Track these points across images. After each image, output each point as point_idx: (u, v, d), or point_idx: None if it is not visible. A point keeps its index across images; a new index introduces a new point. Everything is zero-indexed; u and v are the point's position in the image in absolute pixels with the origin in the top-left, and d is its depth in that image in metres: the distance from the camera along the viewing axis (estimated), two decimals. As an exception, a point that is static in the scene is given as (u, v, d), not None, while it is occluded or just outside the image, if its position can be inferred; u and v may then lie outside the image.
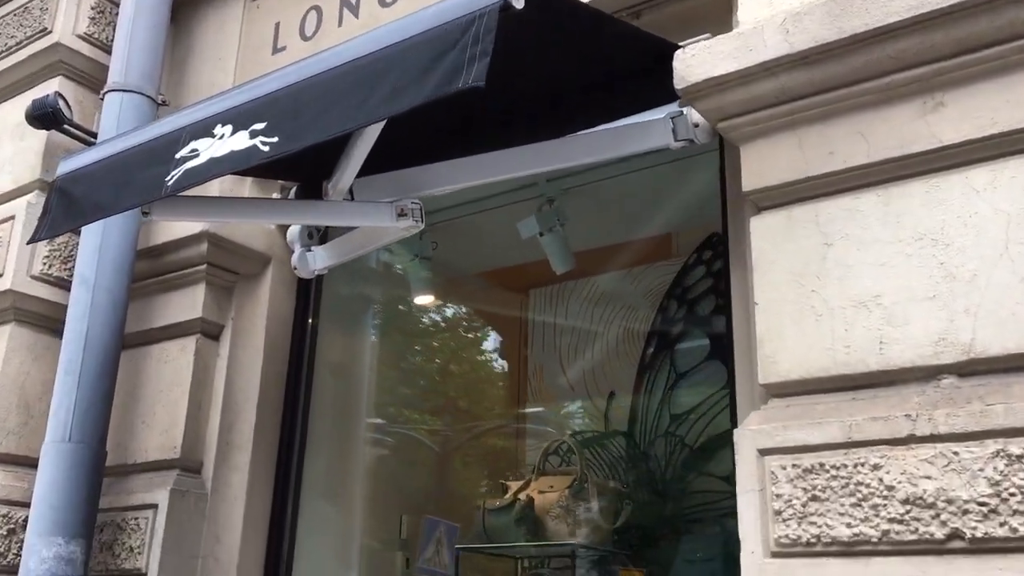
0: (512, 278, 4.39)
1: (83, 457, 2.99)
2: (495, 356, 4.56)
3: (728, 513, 3.47)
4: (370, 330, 3.86)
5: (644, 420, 3.81)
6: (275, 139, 2.05)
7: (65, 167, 2.63)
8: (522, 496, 3.34)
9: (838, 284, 2.02)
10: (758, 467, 1.97)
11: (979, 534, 1.69)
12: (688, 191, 3.73)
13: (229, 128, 2.18)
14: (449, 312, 4.34)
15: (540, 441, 4.09)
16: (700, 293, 3.86)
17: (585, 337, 4.15)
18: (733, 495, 3.55)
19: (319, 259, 3.38)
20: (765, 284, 2.12)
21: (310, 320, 3.54)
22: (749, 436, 2.00)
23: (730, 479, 3.57)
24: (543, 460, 3.49)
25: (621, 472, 3.66)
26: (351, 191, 2.70)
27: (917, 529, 1.75)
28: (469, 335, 4.46)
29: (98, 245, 3.20)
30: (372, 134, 2.44)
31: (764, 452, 1.97)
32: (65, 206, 2.50)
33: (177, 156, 2.24)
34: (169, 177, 2.22)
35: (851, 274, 2.01)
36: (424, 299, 4.01)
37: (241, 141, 2.13)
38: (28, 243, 2.88)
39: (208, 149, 2.19)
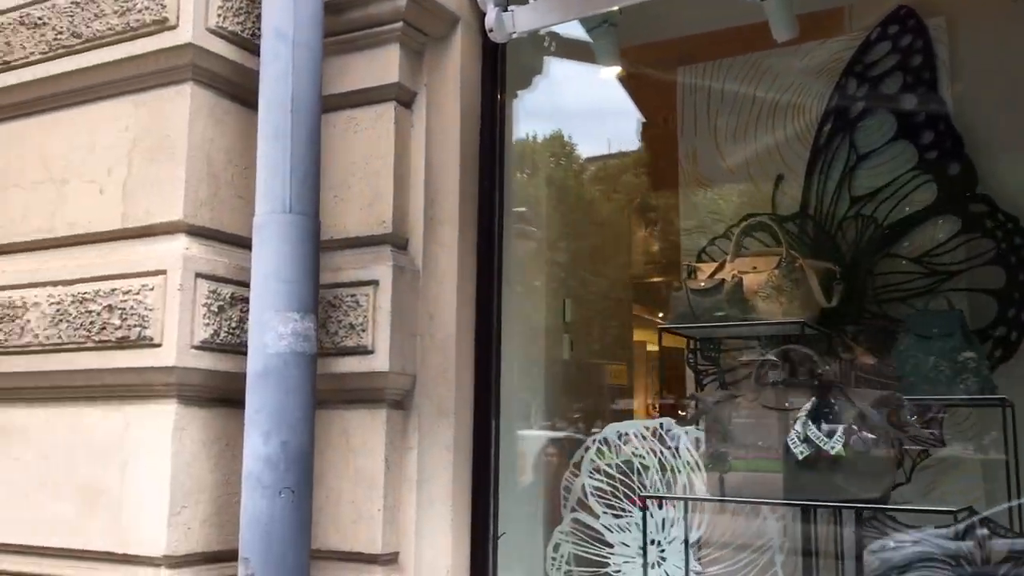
0: (659, 54, 4.13)
1: (305, 229, 2.77)
2: (643, 139, 4.37)
3: (924, 292, 3.48)
4: (545, 106, 3.62)
5: (820, 202, 3.71)
6: None
7: None
8: (726, 276, 3.26)
9: None
10: None
11: None
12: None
13: None
14: (602, 89, 4.07)
15: (697, 225, 3.99)
16: (886, 70, 3.68)
17: (746, 118, 3.97)
18: (924, 275, 3.55)
19: (520, 21, 3.09)
20: None
21: (499, 94, 3.29)
22: None
23: (921, 260, 3.57)
24: (739, 240, 3.40)
25: (805, 253, 3.59)
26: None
27: None
28: (619, 116, 4.23)
29: (292, -7, 2.85)
30: None
31: None
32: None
33: None
34: None
35: None
36: (611, 70, 3.75)
37: None
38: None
39: None
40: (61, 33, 3.14)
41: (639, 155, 4.45)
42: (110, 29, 3.03)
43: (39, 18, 3.21)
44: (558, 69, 3.78)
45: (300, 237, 2.76)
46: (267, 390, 2.66)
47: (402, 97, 3.12)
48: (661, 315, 3.97)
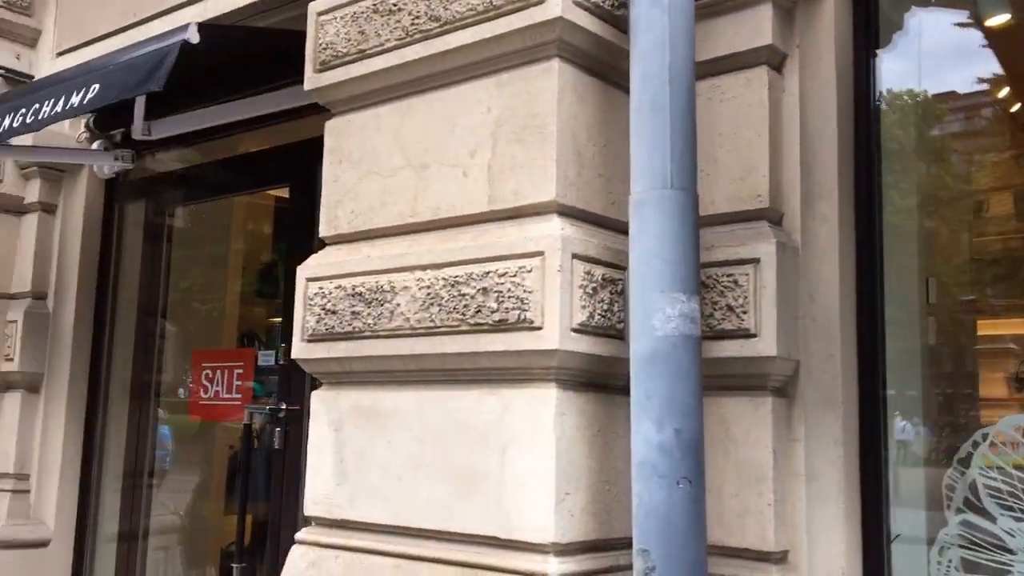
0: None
1: (685, 205, 2.62)
2: (1012, 97, 3.91)
3: None
4: (907, 64, 3.29)
5: None
6: None
7: None
8: None
9: None
10: None
11: None
12: None
13: None
14: (966, 42, 3.66)
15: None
16: None
17: None
18: None
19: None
20: None
21: (871, 52, 2.99)
22: None
23: None
24: None
25: None
26: None
27: None
28: (986, 72, 3.80)
29: (664, -44, 2.70)
30: None
31: None
32: None
33: None
34: None
35: None
36: (997, 19, 3.36)
37: None
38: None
39: None
40: (418, 18, 3.15)
41: (1006, 117, 3.97)
42: (471, 9, 3.00)
43: (394, 4, 3.24)
44: (918, 23, 3.41)
45: (681, 214, 2.61)
46: (657, 375, 2.54)
47: (773, 60, 2.90)
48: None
